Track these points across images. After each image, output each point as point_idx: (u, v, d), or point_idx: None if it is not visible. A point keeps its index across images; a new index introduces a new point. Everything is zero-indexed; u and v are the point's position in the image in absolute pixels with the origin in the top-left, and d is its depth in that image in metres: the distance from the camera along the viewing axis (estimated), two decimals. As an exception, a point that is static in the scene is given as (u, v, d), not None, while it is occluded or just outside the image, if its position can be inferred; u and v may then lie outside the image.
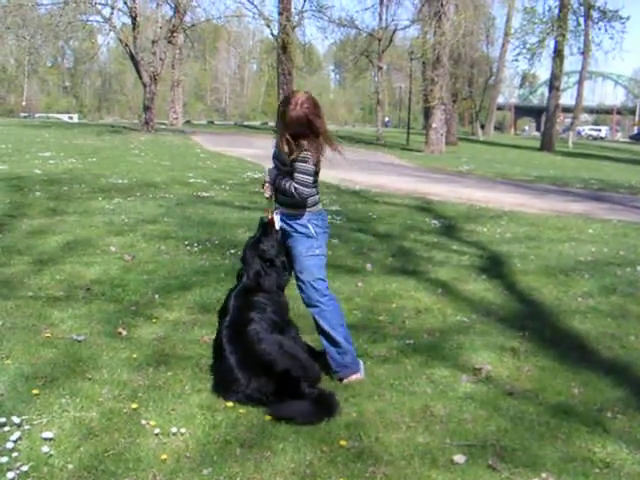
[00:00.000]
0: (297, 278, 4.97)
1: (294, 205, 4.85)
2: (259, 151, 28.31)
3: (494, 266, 8.78)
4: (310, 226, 4.87)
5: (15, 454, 3.60)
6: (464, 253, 9.42)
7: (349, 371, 4.90)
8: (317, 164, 4.76)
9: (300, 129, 4.63)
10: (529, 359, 5.46)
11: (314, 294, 4.91)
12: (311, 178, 4.71)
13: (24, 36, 36.73)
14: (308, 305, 4.97)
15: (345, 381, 4.86)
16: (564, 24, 46.76)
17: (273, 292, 4.89)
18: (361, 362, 5.03)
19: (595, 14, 48.41)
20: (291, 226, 4.91)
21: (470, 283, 7.86)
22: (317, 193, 4.92)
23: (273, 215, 4.93)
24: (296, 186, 4.68)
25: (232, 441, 3.87)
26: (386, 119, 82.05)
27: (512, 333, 6.08)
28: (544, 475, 3.66)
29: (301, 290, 4.97)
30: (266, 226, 4.95)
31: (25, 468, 3.48)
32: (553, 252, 9.78)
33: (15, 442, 3.71)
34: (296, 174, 4.68)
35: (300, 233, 4.89)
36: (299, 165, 4.67)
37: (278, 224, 4.92)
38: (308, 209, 4.87)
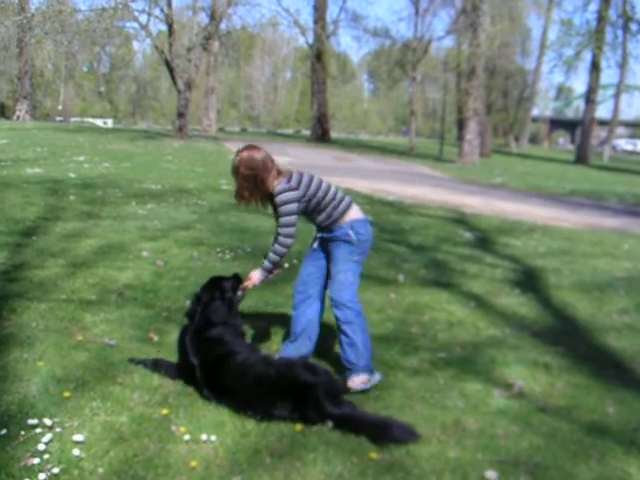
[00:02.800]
0: (332, 280, 5.08)
1: (331, 224, 5.05)
2: (292, 159, 28.37)
3: (528, 280, 8.69)
4: (351, 232, 5.01)
5: (46, 456, 3.62)
6: (497, 266, 9.34)
7: (357, 371, 4.95)
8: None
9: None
10: (562, 375, 5.39)
11: (343, 297, 4.99)
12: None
13: (62, 41, 37.13)
14: (334, 306, 5.03)
15: (350, 383, 4.91)
16: (601, 36, 46.32)
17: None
18: (377, 374, 5.06)
19: (634, 27, 47.87)
20: (332, 238, 5.06)
21: (503, 297, 7.78)
22: (342, 198, 5.07)
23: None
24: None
25: (262, 450, 3.85)
26: (404, 128, 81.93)
27: (545, 348, 6.01)
28: (578, 494, 3.61)
29: (331, 290, 5.07)
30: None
31: (56, 470, 3.50)
32: (588, 267, 9.66)
33: (46, 444, 3.72)
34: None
35: (341, 240, 5.02)
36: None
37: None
38: (345, 217, 5.03)
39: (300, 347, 5.23)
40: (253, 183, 4.87)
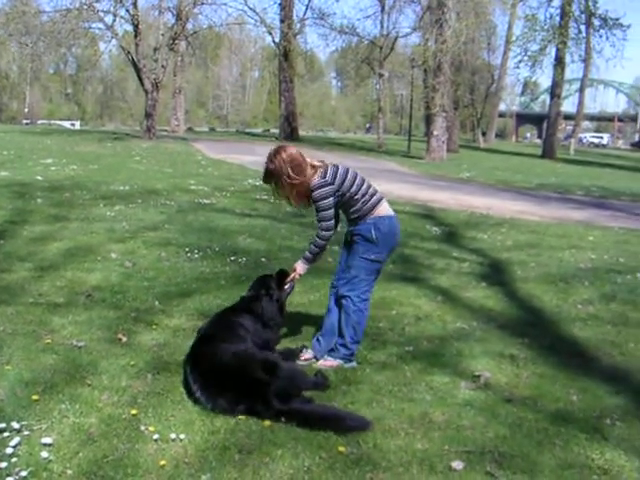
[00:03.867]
0: (344, 270, 5.34)
1: (358, 219, 5.20)
2: (260, 158, 28.21)
3: (494, 273, 8.79)
4: (373, 230, 5.16)
5: (14, 459, 3.62)
6: (464, 260, 9.43)
7: (336, 356, 5.31)
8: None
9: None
10: (528, 366, 5.47)
11: (350, 291, 5.24)
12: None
13: (26, 43, 36.78)
14: (342, 296, 5.28)
15: (320, 363, 5.28)
16: (565, 32, 46.75)
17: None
18: (354, 362, 5.33)
19: (596, 22, 48.45)
20: (355, 232, 5.24)
21: (470, 290, 7.87)
22: (373, 194, 5.25)
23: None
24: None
25: (231, 447, 3.87)
26: (367, 125, 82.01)
27: (512, 340, 6.09)
28: (542, 482, 3.67)
29: (340, 283, 5.32)
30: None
31: (24, 473, 3.50)
32: (553, 259, 9.79)
33: (14, 447, 3.72)
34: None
35: (361, 236, 5.18)
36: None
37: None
38: (373, 213, 5.21)
39: (330, 342, 5.40)
40: (290, 184, 5.04)
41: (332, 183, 5.05)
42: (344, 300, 5.27)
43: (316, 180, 5.05)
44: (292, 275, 5.35)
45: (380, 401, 4.62)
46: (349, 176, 5.15)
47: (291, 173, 4.99)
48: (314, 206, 5.11)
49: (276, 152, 5.10)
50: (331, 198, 5.05)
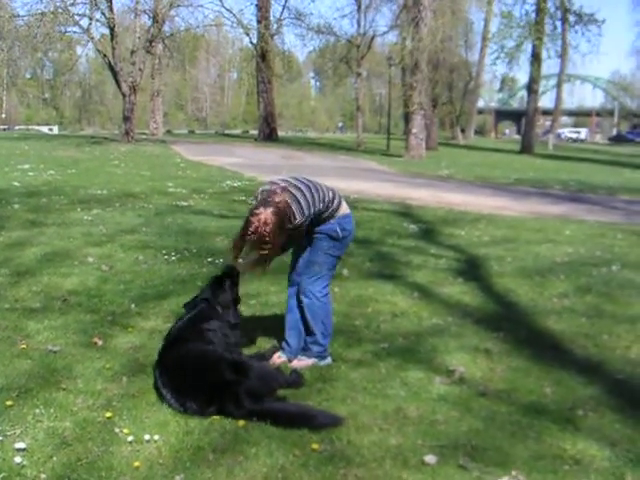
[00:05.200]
0: (306, 266, 5.26)
1: (321, 221, 5.12)
2: (239, 159, 28.37)
3: (471, 269, 8.84)
4: (338, 229, 5.15)
5: (-13, 465, 3.61)
6: (441, 257, 9.47)
7: (310, 355, 5.33)
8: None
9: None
10: (503, 360, 5.51)
11: (313, 286, 5.23)
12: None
13: (2, 48, 36.51)
14: (303, 292, 5.26)
15: (295, 364, 5.25)
16: (541, 28, 47.15)
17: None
18: (329, 358, 5.37)
19: (571, 18, 48.95)
20: (318, 231, 5.16)
21: (446, 286, 7.90)
22: (333, 198, 5.12)
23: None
24: None
25: (205, 447, 3.88)
26: (339, 124, 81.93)
27: (487, 334, 6.13)
28: (514, 473, 3.70)
29: (302, 278, 5.28)
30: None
31: (-3, 479, 3.50)
32: (530, 254, 9.86)
33: (-13, 453, 3.72)
34: None
35: (326, 235, 5.16)
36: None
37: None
38: (335, 215, 5.15)
39: (299, 340, 5.44)
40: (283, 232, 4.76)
41: (308, 215, 4.92)
42: (306, 298, 5.24)
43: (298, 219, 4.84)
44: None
45: (354, 398, 4.64)
46: (316, 200, 4.96)
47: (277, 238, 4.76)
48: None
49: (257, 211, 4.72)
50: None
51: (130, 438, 3.94)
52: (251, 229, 4.65)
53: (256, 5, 46.38)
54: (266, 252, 4.77)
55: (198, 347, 4.65)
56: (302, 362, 5.29)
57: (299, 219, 4.83)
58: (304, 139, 59.64)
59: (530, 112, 49.96)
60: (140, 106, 50.71)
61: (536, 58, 48.56)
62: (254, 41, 45.77)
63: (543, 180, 24.39)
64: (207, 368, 4.41)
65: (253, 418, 4.16)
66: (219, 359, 4.53)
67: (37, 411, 4.25)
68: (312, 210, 4.92)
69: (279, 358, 5.39)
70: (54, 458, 3.73)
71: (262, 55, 45.27)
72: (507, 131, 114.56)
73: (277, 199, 4.71)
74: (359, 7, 47.68)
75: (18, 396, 4.45)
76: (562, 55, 51.53)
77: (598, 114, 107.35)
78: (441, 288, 7.79)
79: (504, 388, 4.93)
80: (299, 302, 5.35)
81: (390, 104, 49.94)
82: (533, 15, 48.29)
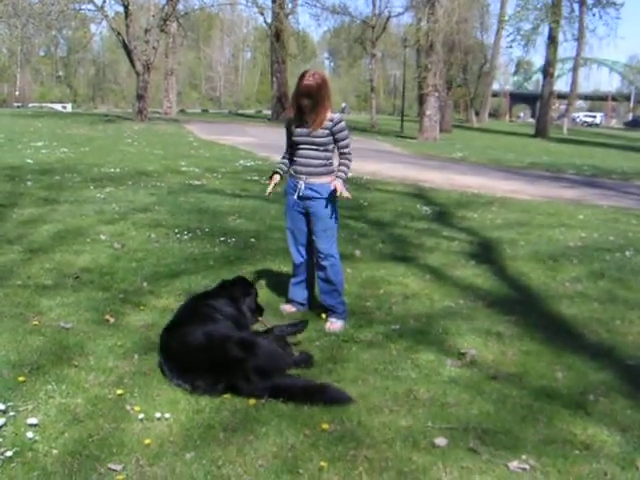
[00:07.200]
0: (318, 234, 5.72)
1: (323, 173, 5.69)
2: (252, 139, 28.32)
3: (483, 252, 8.81)
4: (332, 190, 5.62)
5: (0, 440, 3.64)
6: (454, 239, 9.45)
7: (340, 315, 5.76)
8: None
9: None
10: (514, 343, 5.50)
11: (332, 250, 5.74)
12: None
13: (16, 25, 36.45)
14: (325, 257, 5.71)
15: (329, 326, 5.63)
16: (558, 10, 46.62)
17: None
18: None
19: (589, 0, 48.33)
20: (318, 191, 5.64)
21: (459, 269, 7.88)
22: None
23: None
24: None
25: (215, 425, 3.90)
26: (343, 105, 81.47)
27: (499, 318, 6.12)
28: (524, 457, 3.70)
29: (320, 243, 5.71)
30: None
31: (9, 454, 3.51)
32: (543, 238, 9.81)
33: (0, 428, 3.74)
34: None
35: (326, 198, 5.66)
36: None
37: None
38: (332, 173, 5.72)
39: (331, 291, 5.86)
40: (323, 106, 5.45)
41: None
42: (327, 261, 5.72)
43: (337, 114, 5.64)
44: (339, 193, 5.60)
45: (365, 379, 4.64)
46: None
47: (329, 94, 5.47)
48: (336, 136, 5.60)
49: (315, 73, 5.43)
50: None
51: (141, 415, 3.96)
52: (305, 82, 5.33)
53: (271, -16, 46.15)
54: (314, 114, 5.44)
55: (201, 326, 4.68)
56: (336, 325, 5.66)
57: (339, 115, 5.70)
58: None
59: (545, 95, 49.54)
60: (154, 85, 50.72)
61: (552, 41, 48.08)
62: (268, 20, 45.73)
63: (557, 164, 24.25)
64: (213, 346, 4.43)
65: (264, 395, 4.17)
66: (224, 337, 4.55)
67: (49, 387, 4.28)
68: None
69: (290, 308, 6.03)
70: (65, 434, 3.75)
71: (276, 35, 45.11)
72: (522, 114, 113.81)
73: None
74: (375, -13, 47.38)
75: (30, 372, 4.47)
76: (579, 38, 50.93)
77: (614, 98, 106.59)
78: (453, 271, 7.77)
79: (515, 372, 4.91)
80: (313, 268, 5.89)
81: (404, 86, 49.67)
82: (550, -3, 47.80)
